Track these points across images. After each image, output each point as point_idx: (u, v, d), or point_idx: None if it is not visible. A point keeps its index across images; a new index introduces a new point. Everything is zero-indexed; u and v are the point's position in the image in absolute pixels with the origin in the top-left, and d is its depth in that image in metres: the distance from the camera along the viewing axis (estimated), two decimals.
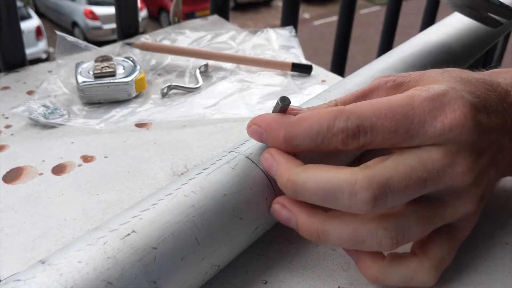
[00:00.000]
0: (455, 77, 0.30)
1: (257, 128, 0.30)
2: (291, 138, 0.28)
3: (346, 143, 0.27)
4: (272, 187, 0.30)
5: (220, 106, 0.50)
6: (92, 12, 6.63)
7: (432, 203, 0.28)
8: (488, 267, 0.32)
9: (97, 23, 6.63)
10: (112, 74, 0.49)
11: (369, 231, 0.27)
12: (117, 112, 0.48)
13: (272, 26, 0.68)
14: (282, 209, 0.29)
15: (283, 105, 0.29)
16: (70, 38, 0.53)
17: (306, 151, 0.29)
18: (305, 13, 7.97)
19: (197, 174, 0.29)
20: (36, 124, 0.46)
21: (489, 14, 0.43)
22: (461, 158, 0.27)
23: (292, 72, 0.56)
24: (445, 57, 0.48)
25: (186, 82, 0.54)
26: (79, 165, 0.41)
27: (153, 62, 0.57)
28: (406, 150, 0.27)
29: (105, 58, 0.50)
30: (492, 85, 0.30)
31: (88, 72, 0.49)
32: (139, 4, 0.65)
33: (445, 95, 0.27)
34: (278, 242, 0.34)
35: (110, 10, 5.86)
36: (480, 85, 0.30)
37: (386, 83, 0.31)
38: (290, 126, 0.28)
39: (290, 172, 0.28)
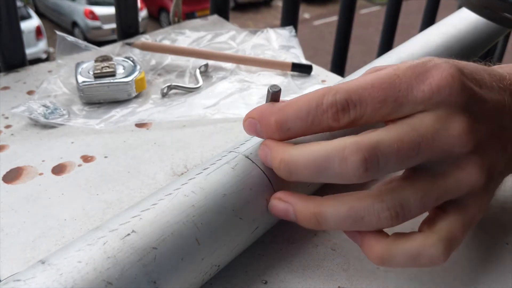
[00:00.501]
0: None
1: (251, 120, 0.30)
2: (282, 122, 0.28)
3: (337, 118, 0.27)
4: (272, 187, 0.30)
5: (220, 106, 0.50)
6: (92, 12, 6.63)
7: (432, 174, 0.27)
8: (488, 267, 0.32)
9: (97, 23, 6.63)
10: (112, 74, 0.49)
11: (366, 206, 0.26)
12: (117, 112, 0.48)
13: (272, 26, 0.68)
14: (279, 202, 0.29)
15: (274, 92, 0.29)
16: (70, 38, 0.53)
17: (299, 134, 0.29)
18: (305, 13, 7.97)
19: (197, 174, 0.29)
20: (36, 124, 0.46)
21: (505, 14, 0.43)
22: (455, 121, 0.27)
23: (292, 72, 0.56)
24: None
25: (186, 82, 0.54)
26: (79, 165, 0.41)
27: (153, 62, 0.57)
28: (398, 120, 0.27)
29: (105, 58, 0.50)
30: (484, 68, 0.30)
31: (88, 72, 0.49)
32: (139, 4, 0.65)
33: (430, 61, 0.28)
34: (278, 242, 0.34)
35: (110, 10, 5.86)
36: (471, 64, 0.30)
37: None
38: (281, 110, 0.29)
39: (282, 153, 0.28)
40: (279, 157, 0.28)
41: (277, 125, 0.29)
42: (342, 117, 0.27)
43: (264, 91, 0.52)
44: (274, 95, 0.30)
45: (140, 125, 0.47)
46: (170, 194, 0.28)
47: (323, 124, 0.27)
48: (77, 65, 0.50)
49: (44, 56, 5.72)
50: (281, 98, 0.30)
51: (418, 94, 0.27)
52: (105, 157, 0.42)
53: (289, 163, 0.28)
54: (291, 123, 0.28)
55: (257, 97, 0.51)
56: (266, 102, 0.30)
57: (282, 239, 0.34)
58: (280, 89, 0.29)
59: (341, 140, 0.26)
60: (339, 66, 0.92)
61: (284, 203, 0.29)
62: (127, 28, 0.63)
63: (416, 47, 0.47)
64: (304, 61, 0.59)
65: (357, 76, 0.41)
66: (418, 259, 0.27)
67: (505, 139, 0.29)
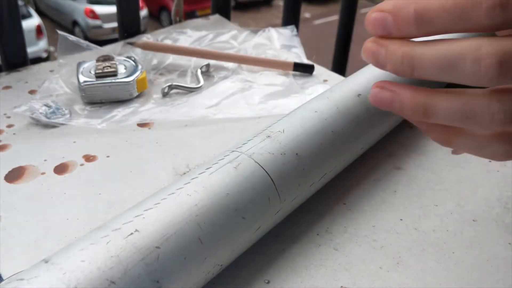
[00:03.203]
0: None
1: (379, 15, 0.25)
2: (423, 11, 0.24)
3: (492, 14, 0.23)
4: (274, 187, 0.30)
5: (222, 106, 0.50)
6: (92, 11, 6.62)
7: None
8: (490, 267, 0.32)
9: (97, 22, 6.62)
10: (114, 74, 0.49)
11: (482, 104, 0.24)
12: (119, 112, 0.48)
13: (273, 25, 0.68)
14: (382, 91, 0.27)
15: None
16: (71, 37, 0.53)
17: (439, 31, 0.25)
18: (306, 12, 7.97)
19: (200, 174, 0.29)
20: (38, 123, 0.46)
21: None
22: None
23: (294, 72, 0.56)
24: None
25: (188, 82, 0.54)
26: (81, 165, 0.41)
27: (154, 61, 0.57)
28: None
29: (107, 58, 0.50)
30: None
31: (90, 72, 0.49)
32: (140, 3, 0.65)
33: None
34: (281, 241, 0.34)
35: (111, 9, 5.86)
36: None
37: None
38: None
39: (403, 46, 0.25)
40: (401, 50, 0.25)
41: (417, 15, 0.24)
42: (500, 12, 0.23)
43: (265, 91, 0.52)
44: None
45: (142, 124, 0.47)
46: (173, 193, 0.28)
47: (472, 20, 0.24)
48: (79, 64, 0.50)
49: (44, 55, 5.72)
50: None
51: None
52: (107, 156, 0.42)
53: (414, 58, 0.25)
54: (434, 14, 0.24)
55: (259, 97, 0.51)
56: None
57: (285, 239, 0.34)
58: None
59: (476, 39, 0.23)
60: (340, 66, 0.91)
61: (390, 92, 0.26)
62: (129, 27, 0.63)
63: None
64: (305, 60, 0.59)
65: (359, 76, 0.41)
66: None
67: None
